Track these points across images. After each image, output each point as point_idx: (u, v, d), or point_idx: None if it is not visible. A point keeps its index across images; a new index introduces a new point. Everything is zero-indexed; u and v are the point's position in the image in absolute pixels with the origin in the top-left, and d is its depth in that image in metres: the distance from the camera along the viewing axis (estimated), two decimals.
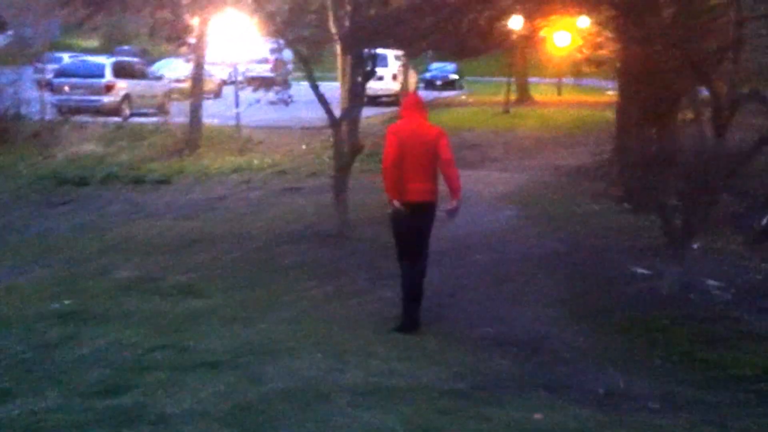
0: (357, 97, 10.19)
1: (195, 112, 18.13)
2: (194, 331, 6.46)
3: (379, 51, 28.29)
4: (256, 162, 16.37)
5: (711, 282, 8.64)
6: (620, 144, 17.09)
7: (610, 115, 25.76)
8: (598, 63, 12.60)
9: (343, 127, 10.80)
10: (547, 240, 10.42)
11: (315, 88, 10.14)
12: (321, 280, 8.41)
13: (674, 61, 7.94)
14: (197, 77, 18.58)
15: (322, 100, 10.11)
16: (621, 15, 10.74)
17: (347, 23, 10.39)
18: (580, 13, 12.81)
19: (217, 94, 30.50)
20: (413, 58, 21.31)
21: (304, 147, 17.97)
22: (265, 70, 30.74)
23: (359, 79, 10.16)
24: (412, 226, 6.73)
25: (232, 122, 20.21)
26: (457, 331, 6.94)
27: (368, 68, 9.97)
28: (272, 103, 10.94)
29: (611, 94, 37.42)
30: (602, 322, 7.42)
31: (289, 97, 10.68)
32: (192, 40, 16.03)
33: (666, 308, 7.74)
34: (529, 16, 9.84)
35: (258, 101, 11.12)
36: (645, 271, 9.01)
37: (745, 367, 6.63)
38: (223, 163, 16.28)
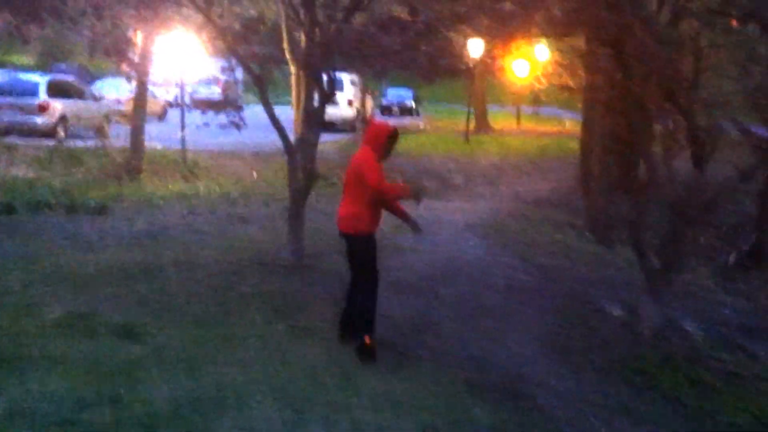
0: (314, 120, 9.77)
1: (136, 134, 17.50)
2: (132, 379, 5.92)
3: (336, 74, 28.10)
4: (202, 188, 15.82)
5: (684, 319, 8.47)
6: (583, 174, 17.12)
7: (571, 144, 25.99)
8: (567, 89, 12.50)
9: (299, 152, 10.40)
10: (516, 272, 10.14)
11: (269, 109, 9.70)
12: (276, 317, 7.94)
13: (649, 89, 7.70)
14: (140, 98, 17.98)
15: (276, 123, 9.68)
16: (592, 42, 10.61)
17: (302, 41, 9.99)
18: (552, 36, 12.70)
19: (162, 116, 29.88)
20: (378, 79, 21.07)
21: (255, 173, 17.47)
22: (213, 92, 30.63)
23: (316, 101, 9.75)
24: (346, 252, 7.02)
25: (177, 146, 19.63)
26: (429, 373, 6.51)
27: (327, 90, 9.57)
28: (223, 126, 10.40)
29: (570, 123, 38.04)
30: (581, 363, 7.10)
31: (241, 119, 10.18)
32: (134, 57, 15.47)
33: (645, 349, 7.48)
34: (502, 39, 9.59)
35: (207, 124, 10.59)
36: (618, 308, 8.80)
37: (733, 415, 6.39)
38: (167, 190, 15.69)
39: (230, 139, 21.28)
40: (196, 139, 19.54)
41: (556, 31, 9.35)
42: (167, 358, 6.51)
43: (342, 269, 9.49)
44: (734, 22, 10.02)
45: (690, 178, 7.50)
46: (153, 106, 27.38)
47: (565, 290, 9.42)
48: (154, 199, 14.83)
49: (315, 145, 9.90)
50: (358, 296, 6.96)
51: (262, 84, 9.66)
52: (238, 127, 10.24)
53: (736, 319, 8.94)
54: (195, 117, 18.44)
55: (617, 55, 7.41)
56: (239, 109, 10.48)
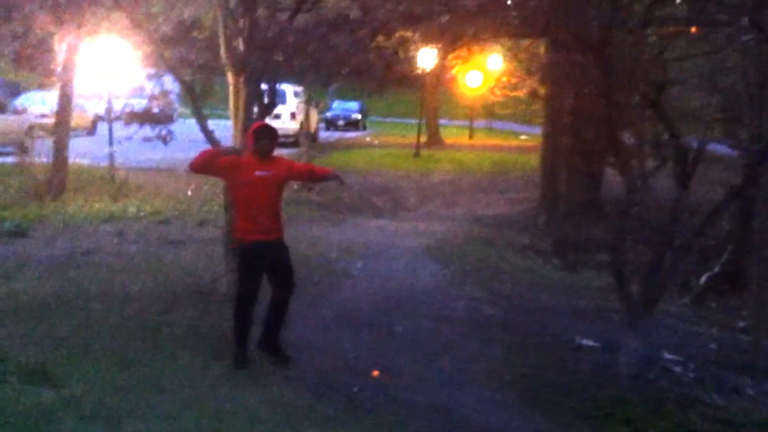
0: None
1: (59, 150, 16.63)
2: None
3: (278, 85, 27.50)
4: (132, 209, 15.07)
5: (668, 355, 8.03)
6: (546, 193, 16.76)
7: (528, 160, 25.73)
8: (533, 96, 12.19)
9: None
10: (478, 303, 9.66)
11: (201, 121, 9.10)
12: (210, 357, 7.33)
13: (631, 97, 7.29)
14: (63, 110, 17.13)
15: (209, 136, 9.09)
16: (557, 49, 10.24)
17: (241, 46, 9.42)
18: (521, 37, 12.36)
19: (91, 130, 28.95)
20: (324, 90, 20.54)
21: (190, 192, 16.75)
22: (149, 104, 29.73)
23: (255, 114, 9.18)
24: None
25: (106, 162, 18.82)
26: (385, 423, 5.95)
27: (266, 101, 9.01)
28: (147, 140, 9.74)
29: (525, 138, 37.97)
30: (557, 411, 6.58)
31: (169, 133, 9.54)
32: (55, 65, 14.68)
33: (629, 392, 6.99)
34: (461, 41, 9.12)
35: (130, 138, 10.01)
36: (591, 342, 8.33)
37: None
38: (93, 211, 14.92)
39: (165, 155, 20.53)
40: (128, 155, 18.82)
41: (526, 31, 8.90)
42: (84, 408, 5.89)
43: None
44: (694, 30, 9.78)
45: (677, 199, 7.04)
46: (82, 119, 26.50)
47: (534, 324, 8.93)
48: (79, 221, 14.09)
49: None
50: None
51: (194, 93, 9.05)
52: (164, 141, 9.60)
53: (722, 354, 8.53)
54: (128, 131, 17.75)
55: (597, 60, 6.97)
56: (167, 121, 9.82)
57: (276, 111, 29.32)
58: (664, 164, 7.22)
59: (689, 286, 11.79)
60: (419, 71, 26.97)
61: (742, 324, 9.86)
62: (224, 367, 7.10)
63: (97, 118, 30.00)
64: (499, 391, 6.88)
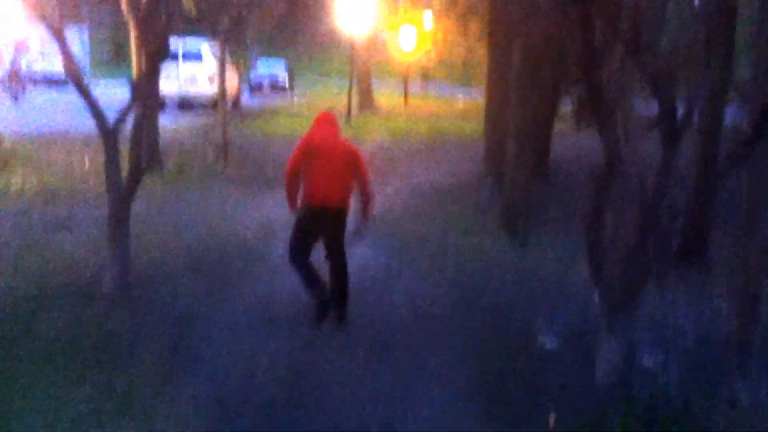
0: (142, 93, 7.79)
1: None
2: None
3: (193, 44, 25.63)
4: (15, 184, 13.47)
5: (647, 354, 6.90)
6: (491, 162, 15.58)
7: (469, 126, 24.55)
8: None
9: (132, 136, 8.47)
10: (426, 292, 8.56)
11: (74, 77, 7.66)
12: (85, 373, 6.06)
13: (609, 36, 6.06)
14: None
15: (85, 93, 7.65)
16: None
17: None
18: None
19: None
20: (244, 46, 18.95)
21: (87, 163, 15.16)
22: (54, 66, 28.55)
23: (147, 66, 7.80)
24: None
25: None
26: None
27: (158, 50, 7.64)
28: None
29: (463, 100, 36.82)
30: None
31: (20, 92, 8.18)
32: None
33: (611, 407, 5.83)
34: None
35: None
36: (557, 340, 7.19)
37: None
38: None
39: (62, 121, 18.97)
40: (24, 122, 17.21)
41: None
42: None
43: (181, 299, 7.76)
44: None
45: (664, 165, 5.85)
46: None
47: (489, 316, 7.82)
48: None
49: (143, 126, 7.93)
50: (344, 270, 7.52)
51: (63, 39, 7.53)
52: (15, 98, 8.23)
53: (703, 346, 7.44)
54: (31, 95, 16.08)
55: None
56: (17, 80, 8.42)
57: (191, 73, 27.49)
58: (655, 124, 6.01)
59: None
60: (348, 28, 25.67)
61: (714, 304, 8.75)
62: (97, 388, 5.79)
63: None
64: (458, 408, 5.82)
